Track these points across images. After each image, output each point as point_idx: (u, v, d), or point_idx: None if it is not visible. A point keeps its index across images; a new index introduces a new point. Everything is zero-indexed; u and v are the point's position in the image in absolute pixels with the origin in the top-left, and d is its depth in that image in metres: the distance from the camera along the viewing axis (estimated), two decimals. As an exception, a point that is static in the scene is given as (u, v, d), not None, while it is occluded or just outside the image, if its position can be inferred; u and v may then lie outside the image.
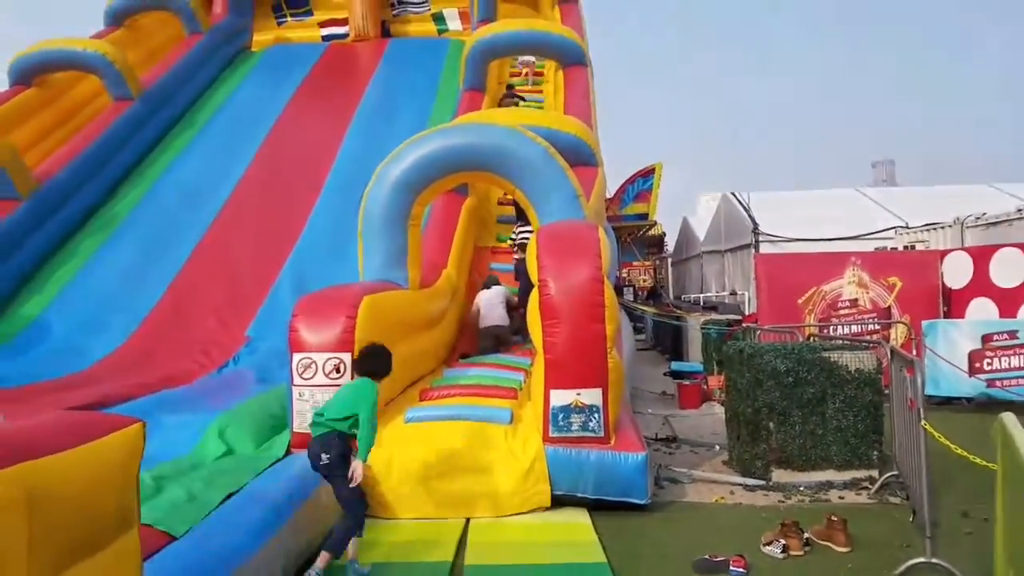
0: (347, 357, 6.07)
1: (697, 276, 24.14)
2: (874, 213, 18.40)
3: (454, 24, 19.39)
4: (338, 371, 6.06)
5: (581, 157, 9.83)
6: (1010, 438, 2.76)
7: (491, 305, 9.33)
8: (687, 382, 11.33)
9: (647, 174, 20.52)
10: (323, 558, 4.45)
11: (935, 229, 14.97)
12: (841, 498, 6.35)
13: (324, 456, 4.53)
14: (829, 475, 6.68)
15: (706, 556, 4.92)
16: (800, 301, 11.83)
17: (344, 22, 19.31)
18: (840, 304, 11.83)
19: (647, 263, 26.52)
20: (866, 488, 6.51)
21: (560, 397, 6.11)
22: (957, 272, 11.59)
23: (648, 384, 12.67)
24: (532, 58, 16.54)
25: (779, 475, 6.74)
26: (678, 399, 11.27)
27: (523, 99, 15.00)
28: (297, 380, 6.09)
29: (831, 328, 11.51)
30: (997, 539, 2.94)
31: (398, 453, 5.98)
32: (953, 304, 11.58)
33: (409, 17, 19.68)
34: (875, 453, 6.76)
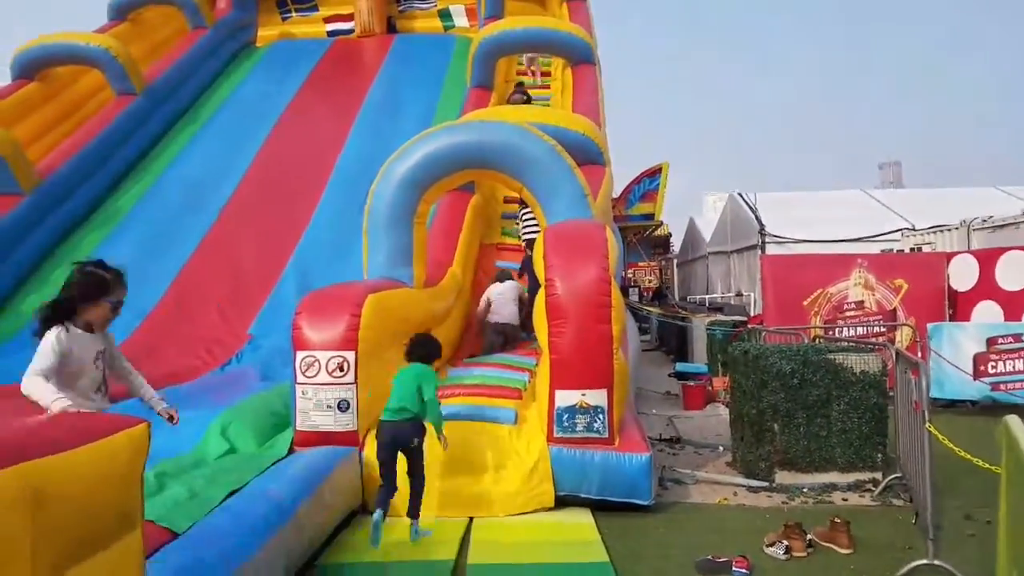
0: (351, 355, 6.05)
1: (703, 277, 24.13)
2: (880, 215, 18.38)
3: (460, 21, 19.36)
4: (341, 369, 6.03)
5: (589, 156, 9.80)
6: (1014, 441, 2.74)
7: (503, 302, 9.21)
8: (692, 383, 11.30)
9: (653, 174, 20.50)
10: (413, 524, 5.30)
11: (941, 231, 14.94)
12: (845, 500, 6.34)
13: (415, 440, 5.32)
14: (833, 477, 6.67)
15: (709, 557, 4.91)
16: (806, 303, 11.81)
17: (349, 18, 19.28)
18: (846, 306, 11.80)
19: (653, 263, 26.53)
20: (870, 490, 6.49)
21: (565, 397, 6.09)
22: (963, 275, 11.56)
23: (653, 385, 12.65)
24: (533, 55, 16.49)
25: (783, 476, 6.72)
26: (682, 400, 11.25)
27: (530, 99, 14.96)
28: (300, 378, 6.06)
29: (836, 330, 11.49)
30: (1000, 542, 2.92)
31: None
32: (959, 307, 11.55)
33: (415, 13, 19.65)
34: (879, 455, 6.74)
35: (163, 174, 14.06)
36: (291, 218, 12.42)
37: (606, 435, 6.09)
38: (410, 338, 5.76)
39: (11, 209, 11.59)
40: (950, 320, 11.30)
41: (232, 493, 4.69)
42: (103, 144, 13.65)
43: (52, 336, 3.73)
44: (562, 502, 6.01)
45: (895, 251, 15.68)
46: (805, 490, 6.53)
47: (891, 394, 6.82)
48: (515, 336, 9.17)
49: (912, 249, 15.28)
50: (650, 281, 25.54)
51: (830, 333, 11.22)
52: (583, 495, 6.03)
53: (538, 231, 8.37)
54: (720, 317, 14.41)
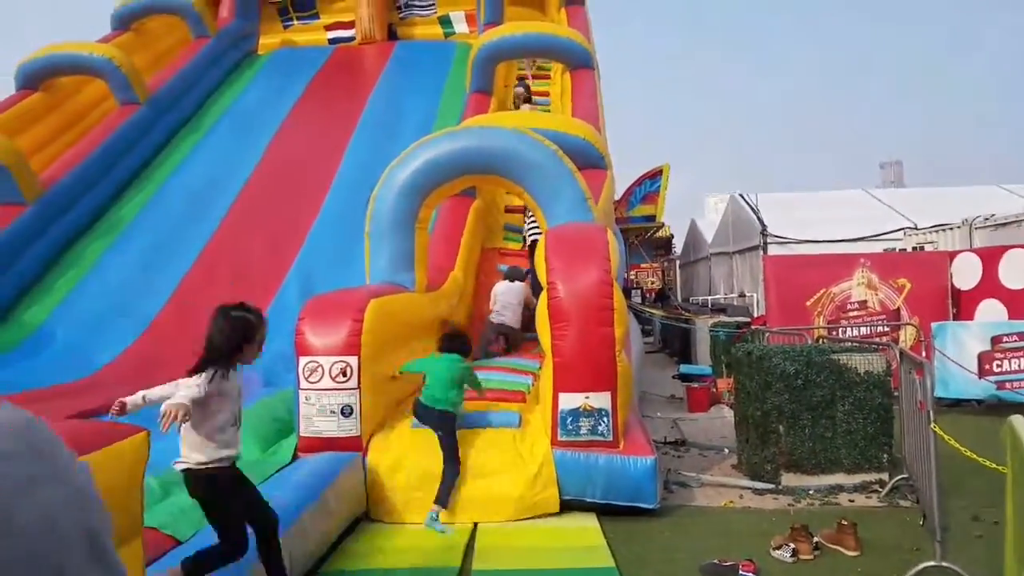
0: (354, 360, 6.04)
1: (705, 278, 24.10)
2: (882, 214, 18.34)
3: (460, 27, 19.37)
4: (344, 375, 6.03)
5: (589, 160, 9.79)
6: (1020, 441, 2.74)
7: (507, 304, 9.23)
8: (696, 385, 11.27)
9: (654, 176, 20.47)
10: (440, 512, 5.58)
11: (944, 230, 14.91)
12: (851, 501, 6.31)
13: (438, 432, 5.79)
14: (839, 478, 6.64)
15: (715, 560, 4.89)
16: (809, 303, 11.78)
17: (350, 25, 19.30)
18: (849, 306, 11.78)
19: (655, 265, 26.52)
20: (876, 491, 6.46)
21: (569, 401, 6.07)
22: (966, 273, 11.53)
23: (656, 387, 12.62)
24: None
25: (788, 478, 6.69)
26: (687, 402, 11.21)
27: (531, 95, 15.01)
28: (303, 384, 6.06)
29: (840, 330, 11.46)
30: (1007, 542, 2.91)
31: (405, 457, 5.96)
32: (962, 306, 11.51)
33: (416, 20, 19.66)
34: (885, 456, 6.70)
35: (166, 183, 14.09)
36: (294, 224, 12.43)
37: (610, 438, 6.07)
38: (444, 332, 6.34)
39: (14, 219, 11.61)
40: (954, 319, 11.25)
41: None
42: (106, 153, 13.68)
43: (205, 376, 3.84)
44: (567, 506, 6.00)
45: (897, 250, 15.64)
46: (811, 492, 6.50)
47: (896, 394, 6.80)
48: (516, 338, 9.18)
49: (914, 248, 15.25)
50: (653, 283, 25.54)
51: (833, 333, 11.19)
52: (588, 499, 6.02)
53: (541, 234, 8.37)
54: (723, 318, 14.38)
